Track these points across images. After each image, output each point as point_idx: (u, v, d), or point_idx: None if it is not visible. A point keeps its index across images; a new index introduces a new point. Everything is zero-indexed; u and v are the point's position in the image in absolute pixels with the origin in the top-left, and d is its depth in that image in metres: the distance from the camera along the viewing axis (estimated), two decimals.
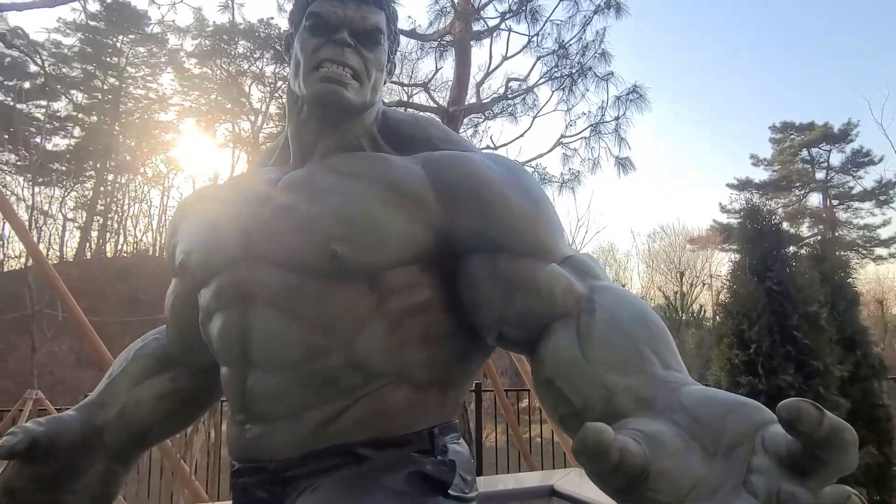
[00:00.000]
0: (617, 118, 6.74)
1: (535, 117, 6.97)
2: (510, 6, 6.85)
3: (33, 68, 18.68)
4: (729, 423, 0.52)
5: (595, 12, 6.69)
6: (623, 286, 0.76)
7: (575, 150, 7.19)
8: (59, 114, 20.80)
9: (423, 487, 0.84)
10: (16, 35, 5.55)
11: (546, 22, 6.55)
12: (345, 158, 0.96)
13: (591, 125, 6.89)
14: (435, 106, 6.89)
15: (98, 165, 21.96)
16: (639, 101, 6.56)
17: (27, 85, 19.29)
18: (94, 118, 21.44)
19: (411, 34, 6.93)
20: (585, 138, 6.98)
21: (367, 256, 0.85)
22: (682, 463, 0.49)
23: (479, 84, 6.66)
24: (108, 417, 1.02)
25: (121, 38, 20.93)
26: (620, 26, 7.18)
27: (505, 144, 7.64)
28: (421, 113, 1.18)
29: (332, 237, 0.85)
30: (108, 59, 21.01)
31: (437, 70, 6.71)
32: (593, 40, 6.94)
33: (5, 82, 19.23)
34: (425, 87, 6.49)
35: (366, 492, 0.80)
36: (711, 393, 0.58)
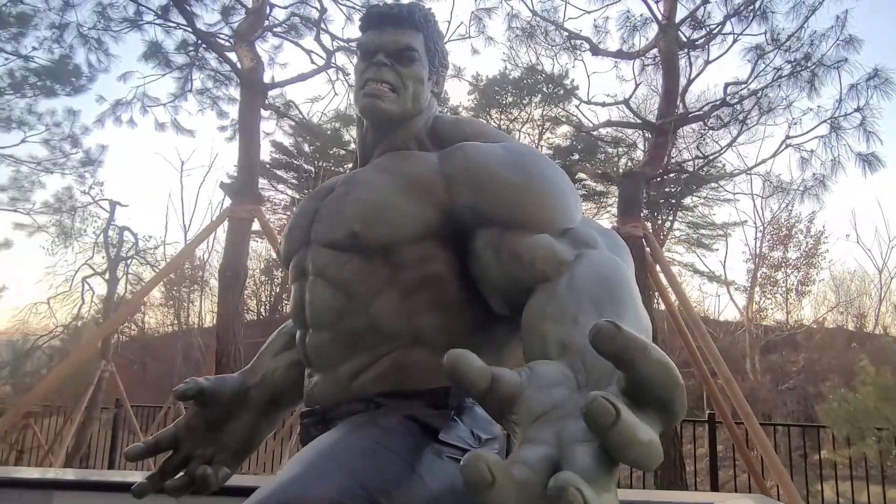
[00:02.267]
0: (858, 108, 5.78)
1: (742, 122, 6.34)
2: (735, 8, 6.45)
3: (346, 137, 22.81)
4: (604, 361, 0.54)
5: None
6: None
7: (812, 151, 6.33)
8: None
9: (413, 429, 0.93)
10: (289, 107, 7.21)
11: (753, 17, 6.01)
12: (384, 158, 1.13)
13: (827, 120, 6.01)
14: (640, 122, 6.76)
15: None
16: (883, 86, 5.55)
17: (341, 152, 23.54)
18: None
19: (618, 54, 6.95)
20: (821, 137, 6.11)
21: (379, 235, 1.01)
22: (545, 393, 0.53)
23: (684, 93, 6.35)
24: (255, 380, 1.23)
25: None
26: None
27: (718, 153, 7.05)
28: (466, 116, 1.50)
29: (353, 220, 1.03)
30: None
31: (636, 85, 6.61)
32: (832, 27, 6.12)
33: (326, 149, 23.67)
34: (626, 103, 6.43)
35: (363, 427, 0.92)
36: None
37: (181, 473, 1.14)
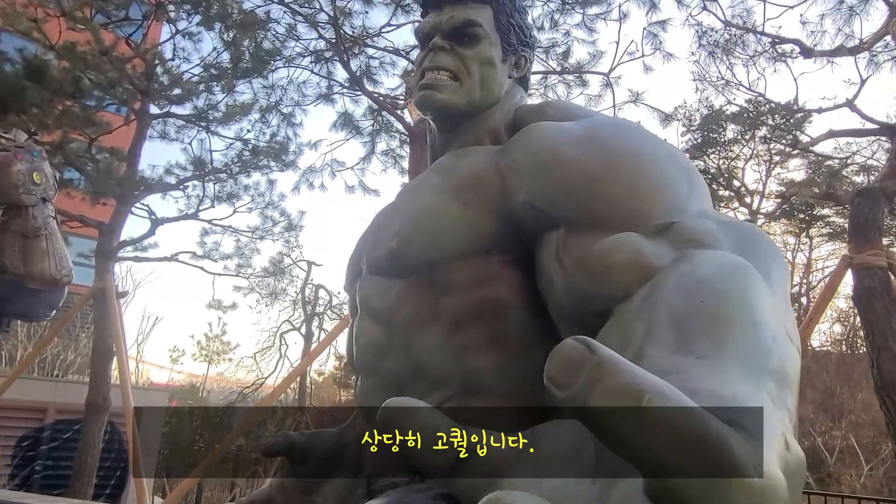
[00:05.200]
0: None
1: None
2: None
3: None
4: None
5: None
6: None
7: None
8: None
9: None
10: None
11: None
12: (444, 157, 0.97)
13: None
14: (875, 126, 5.43)
15: None
16: None
17: None
18: None
19: (836, 52, 5.78)
20: None
21: (419, 249, 0.84)
22: (539, 477, 0.35)
23: None
24: (352, 435, 1.09)
25: None
26: None
27: None
28: (554, 99, 1.26)
29: (393, 235, 0.87)
30: None
31: (861, 83, 5.30)
32: None
33: None
34: (851, 105, 5.18)
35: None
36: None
37: None
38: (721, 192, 22.53)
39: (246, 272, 8.70)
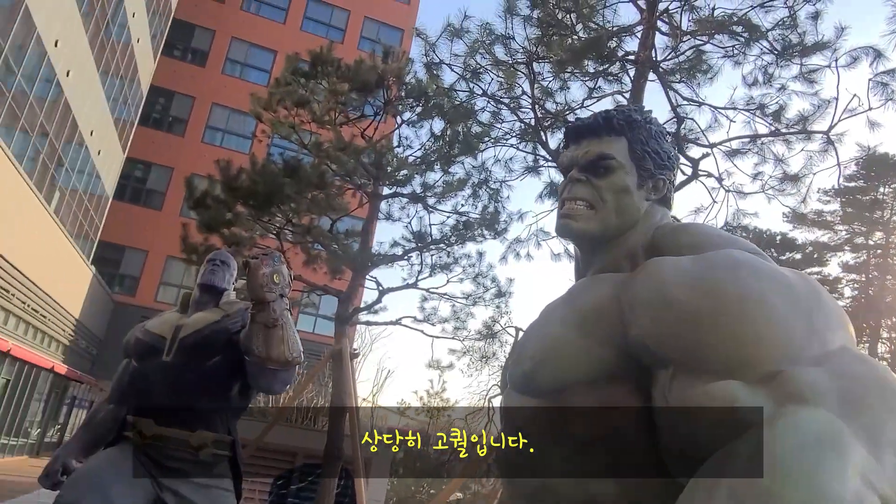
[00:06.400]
0: None
1: None
2: None
3: (800, 241, 20.29)
4: None
5: None
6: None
7: None
8: (829, 277, 21.35)
9: None
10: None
11: None
12: (578, 283, 1.05)
13: None
14: None
15: (885, 322, 20.88)
16: None
17: (798, 256, 20.88)
18: (863, 276, 20.93)
19: None
20: None
21: (548, 375, 0.90)
22: None
23: None
24: None
25: (882, 189, 20.27)
26: None
27: None
28: (696, 222, 1.46)
29: (528, 357, 0.96)
30: (871, 214, 20.52)
31: None
32: None
33: (779, 257, 21.41)
34: None
35: None
36: None
37: None
38: None
39: (461, 335, 9.27)
